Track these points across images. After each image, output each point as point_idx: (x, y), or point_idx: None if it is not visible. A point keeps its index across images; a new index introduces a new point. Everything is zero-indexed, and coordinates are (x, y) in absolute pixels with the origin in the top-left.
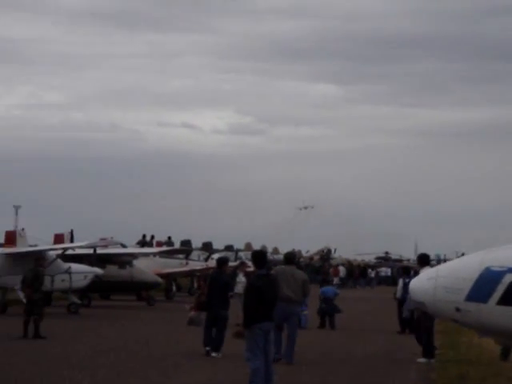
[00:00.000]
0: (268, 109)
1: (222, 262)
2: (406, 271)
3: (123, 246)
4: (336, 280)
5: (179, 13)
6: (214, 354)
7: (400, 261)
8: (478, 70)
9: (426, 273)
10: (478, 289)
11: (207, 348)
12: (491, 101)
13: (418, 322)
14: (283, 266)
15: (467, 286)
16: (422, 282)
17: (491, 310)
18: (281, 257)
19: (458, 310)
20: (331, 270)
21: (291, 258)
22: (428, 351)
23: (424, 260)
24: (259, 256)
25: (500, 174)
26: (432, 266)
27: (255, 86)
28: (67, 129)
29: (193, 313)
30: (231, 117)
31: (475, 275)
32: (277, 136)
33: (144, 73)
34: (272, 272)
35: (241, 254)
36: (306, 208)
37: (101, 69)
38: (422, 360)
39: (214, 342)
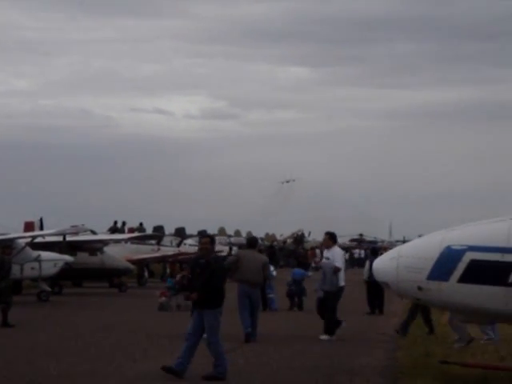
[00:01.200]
0: (241, 93)
1: (251, 243)
2: (374, 252)
3: (93, 232)
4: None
5: None
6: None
7: (375, 243)
8: (452, 50)
9: (388, 253)
10: (439, 267)
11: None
12: (465, 81)
13: (325, 300)
14: (245, 250)
15: (429, 265)
16: (385, 263)
17: (452, 288)
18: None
19: (420, 288)
20: (309, 252)
21: (253, 242)
22: (329, 328)
23: None
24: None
25: (475, 156)
26: None
27: (227, 70)
28: (37, 116)
29: (163, 298)
30: (204, 101)
31: (436, 254)
32: (250, 120)
33: (115, 58)
34: (233, 255)
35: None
36: (288, 182)
37: (71, 55)
38: (324, 337)
39: None
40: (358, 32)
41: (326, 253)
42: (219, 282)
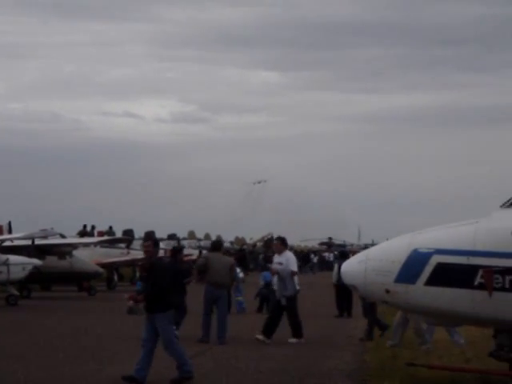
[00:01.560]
0: (211, 97)
1: (176, 251)
2: (342, 255)
3: (62, 236)
4: None
5: (120, 1)
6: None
7: (343, 246)
8: (420, 55)
9: (356, 256)
10: (407, 270)
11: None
12: (434, 86)
13: (287, 305)
14: (212, 253)
15: (396, 268)
16: (353, 266)
17: (419, 291)
18: (225, 244)
19: (387, 291)
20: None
21: (217, 245)
22: (296, 332)
23: None
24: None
25: (445, 160)
26: None
27: (198, 74)
28: (6, 119)
29: (131, 302)
30: (174, 105)
31: (403, 257)
32: (220, 124)
33: (85, 62)
34: (202, 258)
35: (184, 242)
36: (259, 182)
37: (40, 58)
38: (292, 340)
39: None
40: (327, 37)
41: (277, 258)
42: (164, 284)
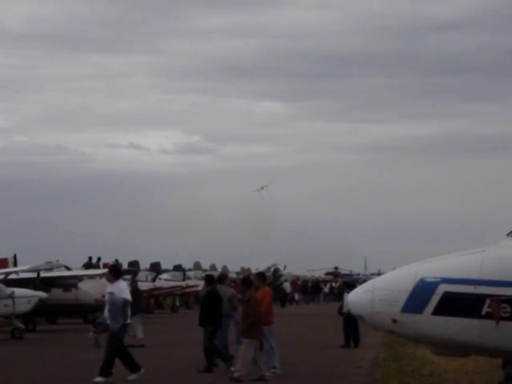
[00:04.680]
0: (216, 127)
1: (220, 278)
2: (348, 286)
3: (67, 268)
4: (297, 296)
5: (125, 34)
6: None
7: (350, 276)
8: (424, 84)
9: (362, 286)
10: (414, 300)
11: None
12: (439, 115)
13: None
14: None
15: (403, 298)
16: (360, 296)
17: (426, 321)
18: (231, 275)
19: (394, 321)
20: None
21: (222, 277)
22: (104, 369)
23: None
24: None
25: (450, 189)
26: None
27: (202, 105)
28: (11, 152)
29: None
30: (178, 136)
31: (410, 287)
32: (225, 154)
33: (90, 94)
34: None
35: (189, 273)
36: (263, 188)
37: (45, 91)
38: (98, 380)
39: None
40: (331, 67)
41: (109, 288)
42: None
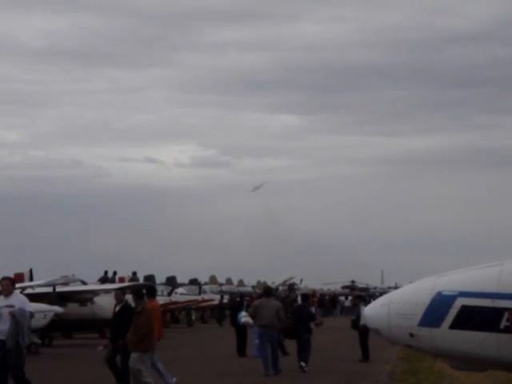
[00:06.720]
0: (231, 141)
1: (307, 296)
2: (361, 299)
3: (83, 282)
4: (313, 310)
5: (140, 48)
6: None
7: (367, 289)
8: (439, 96)
9: (379, 299)
10: (431, 314)
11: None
12: (453, 128)
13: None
14: (261, 299)
15: (420, 311)
16: (376, 309)
17: (444, 335)
18: (246, 288)
19: (411, 335)
20: (311, 299)
21: (268, 291)
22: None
23: None
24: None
25: (468, 201)
26: None
27: (218, 118)
28: (28, 167)
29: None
30: (194, 150)
31: (427, 300)
32: (241, 168)
33: (106, 109)
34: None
35: (205, 287)
36: (258, 188)
37: (61, 106)
38: None
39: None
40: (346, 80)
41: (5, 300)
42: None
